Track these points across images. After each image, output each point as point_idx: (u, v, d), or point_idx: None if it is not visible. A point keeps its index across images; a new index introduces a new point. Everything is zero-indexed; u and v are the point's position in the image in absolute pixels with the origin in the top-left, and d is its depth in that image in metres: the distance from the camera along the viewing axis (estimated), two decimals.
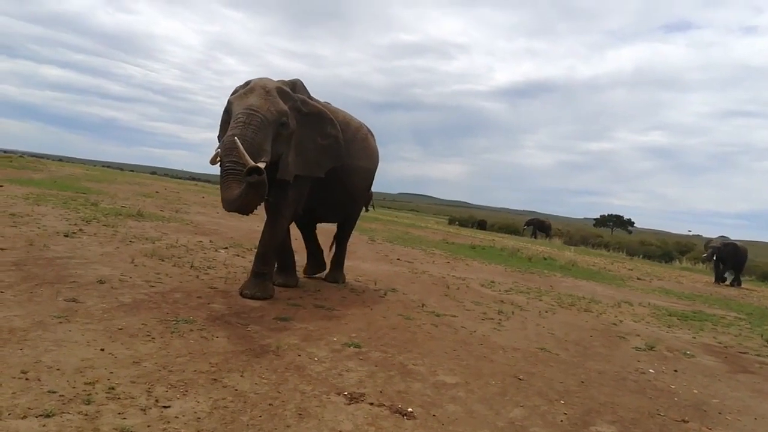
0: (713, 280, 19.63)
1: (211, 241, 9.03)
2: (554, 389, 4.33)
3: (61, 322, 3.97)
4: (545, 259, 17.32)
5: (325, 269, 7.79)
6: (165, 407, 2.92)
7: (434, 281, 9.12)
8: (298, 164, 5.93)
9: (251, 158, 4.89)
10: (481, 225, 42.88)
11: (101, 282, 5.28)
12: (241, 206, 4.99)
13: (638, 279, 16.08)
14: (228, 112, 5.60)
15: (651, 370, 5.41)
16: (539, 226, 39.57)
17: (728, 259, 19.61)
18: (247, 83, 5.76)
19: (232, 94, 5.76)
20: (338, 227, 7.88)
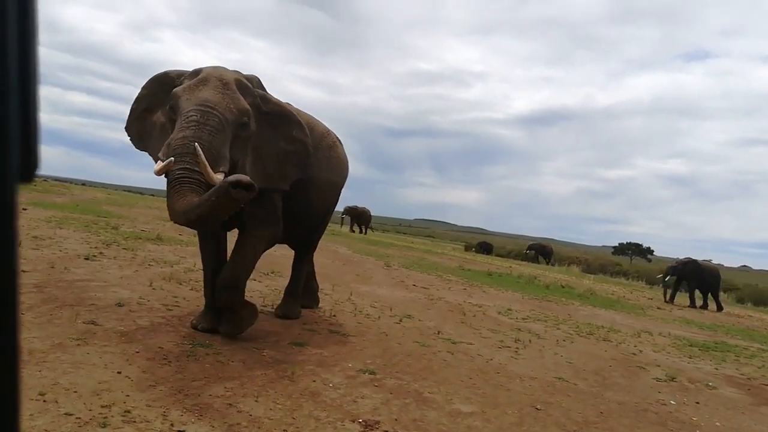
0: (667, 299, 18.30)
1: None
2: (572, 420, 4.25)
3: (79, 345, 4.01)
4: (563, 287, 17.11)
5: (317, 301, 7.03)
6: (180, 431, 2.92)
7: (450, 308, 9.06)
8: (256, 175, 4.77)
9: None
10: (486, 249, 42.40)
11: (120, 305, 5.33)
12: (199, 217, 3.99)
13: (658, 308, 15.79)
14: (173, 108, 4.45)
15: (672, 402, 5.28)
16: (541, 251, 39.91)
17: (690, 278, 18.29)
18: (197, 72, 4.67)
19: (170, 78, 4.86)
20: (296, 251, 6.74)
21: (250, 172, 4.72)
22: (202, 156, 4.00)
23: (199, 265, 8.55)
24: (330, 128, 6.61)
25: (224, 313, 4.96)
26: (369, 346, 5.52)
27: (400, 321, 7.12)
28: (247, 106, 4.61)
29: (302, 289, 6.60)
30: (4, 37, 0.53)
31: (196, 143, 4.03)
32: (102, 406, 3.05)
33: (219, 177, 4.11)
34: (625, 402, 5.05)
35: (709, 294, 18.53)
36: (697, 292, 18.32)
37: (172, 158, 4.11)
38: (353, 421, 3.47)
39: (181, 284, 6.94)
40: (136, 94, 5.06)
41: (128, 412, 3.03)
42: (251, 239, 5.12)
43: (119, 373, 3.60)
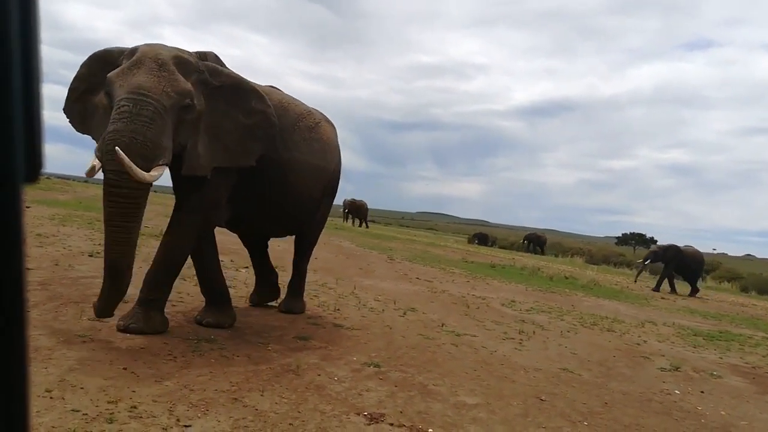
0: (654, 287, 17.98)
1: (232, 261, 9.09)
2: (577, 410, 4.26)
3: (85, 341, 4.03)
4: (567, 278, 17.10)
5: (278, 296, 6.56)
6: (186, 426, 2.94)
7: (454, 300, 9.07)
8: (216, 154, 4.59)
9: (143, 162, 3.87)
10: (482, 240, 42.98)
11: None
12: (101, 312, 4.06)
13: (662, 298, 15.78)
14: (108, 95, 4.10)
15: (677, 392, 5.29)
16: (536, 241, 41.24)
17: (670, 263, 18.00)
18: (133, 51, 4.25)
19: (111, 56, 4.46)
20: (294, 244, 6.54)
21: (207, 153, 4.52)
22: (126, 160, 3.72)
23: None
24: (323, 114, 6.31)
25: (134, 308, 4.67)
26: (373, 339, 5.53)
27: (404, 314, 7.13)
28: (188, 87, 4.24)
29: (297, 286, 6.41)
30: (7, 38, 0.53)
31: (117, 147, 3.72)
32: (108, 402, 3.06)
33: (156, 173, 3.97)
34: (630, 392, 5.05)
35: (696, 279, 18.43)
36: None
37: (101, 158, 3.90)
38: (358, 414, 3.48)
39: (185, 280, 6.94)
40: (75, 73, 4.66)
41: (135, 407, 3.05)
42: (178, 230, 4.76)
43: (125, 369, 3.62)
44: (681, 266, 18.17)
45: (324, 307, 6.70)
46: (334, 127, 6.39)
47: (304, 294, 6.54)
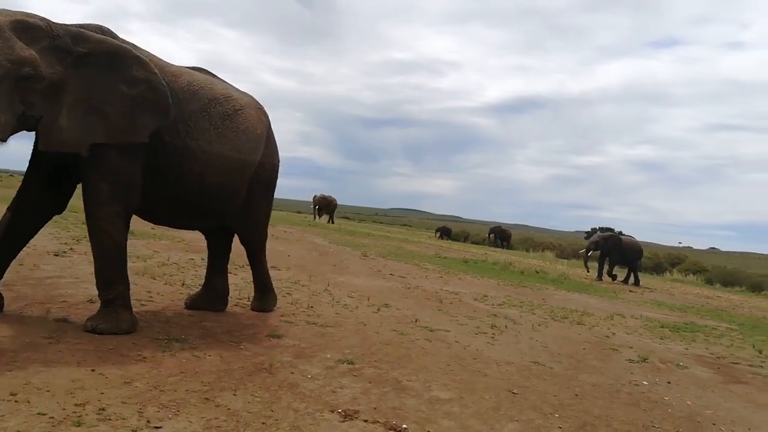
0: (595, 276, 18.43)
1: (203, 259, 8.94)
2: (548, 403, 4.33)
3: (51, 343, 3.93)
4: (537, 272, 17.35)
5: (219, 306, 5.84)
6: (156, 428, 2.89)
7: (427, 296, 9.11)
8: (94, 129, 4.23)
9: None
10: (446, 233, 44.00)
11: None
12: None
13: (630, 291, 16.13)
14: None
15: (644, 382, 5.41)
16: (500, 234, 42.39)
17: (611, 252, 18.33)
18: None
19: None
20: (241, 243, 6.04)
21: (77, 127, 4.16)
22: None
23: (173, 259, 8.45)
24: (253, 98, 5.79)
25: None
26: (347, 336, 5.53)
27: (378, 310, 7.14)
28: (26, 54, 3.80)
29: (270, 281, 6.21)
30: None
31: None
32: (76, 405, 2.99)
33: None
34: (599, 383, 5.15)
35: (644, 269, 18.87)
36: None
37: None
38: (332, 412, 3.48)
39: (154, 279, 6.85)
40: None
41: (103, 409, 2.99)
42: (100, 223, 4.44)
43: (93, 370, 3.54)
44: (621, 255, 18.49)
45: (297, 305, 6.66)
46: (264, 116, 5.79)
47: (276, 291, 6.49)
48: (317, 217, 33.51)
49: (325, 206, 34.04)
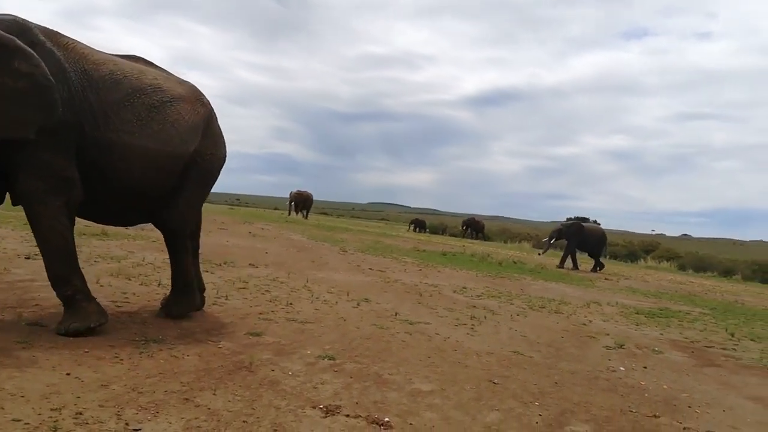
0: (558, 263, 18.53)
1: None
2: (528, 391, 4.38)
3: (24, 348, 3.84)
4: (515, 263, 17.52)
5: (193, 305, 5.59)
6: (135, 430, 2.85)
7: (407, 289, 9.14)
8: None
9: None
10: (420, 225, 44.56)
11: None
12: None
13: (606, 279, 16.38)
14: None
15: (621, 368, 5.51)
16: (474, 226, 43.18)
17: (572, 240, 18.46)
18: None
19: None
20: (163, 235, 5.62)
21: None
22: None
23: (148, 259, 8.33)
24: (193, 88, 5.47)
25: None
26: (327, 331, 5.51)
27: (358, 305, 7.14)
28: None
29: (193, 282, 5.54)
30: None
31: None
32: (52, 410, 2.93)
33: None
34: (578, 371, 5.23)
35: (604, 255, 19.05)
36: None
37: None
38: (314, 408, 3.47)
39: (129, 279, 6.74)
40: None
41: (80, 414, 2.93)
42: (43, 221, 4.33)
43: (68, 374, 3.47)
44: (583, 242, 18.65)
45: (276, 302, 6.62)
46: (203, 107, 5.42)
47: (255, 289, 6.43)
48: (293, 213, 33.37)
49: (301, 202, 33.94)
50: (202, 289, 5.84)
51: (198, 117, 5.30)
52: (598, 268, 18.55)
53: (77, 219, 4.87)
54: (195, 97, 5.39)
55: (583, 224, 18.97)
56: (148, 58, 5.38)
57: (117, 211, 5.16)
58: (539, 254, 19.25)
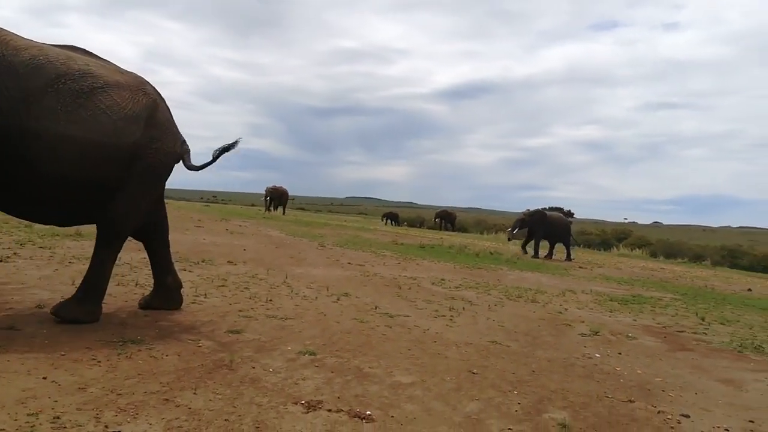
0: (524, 252, 18.82)
1: None
2: (507, 380, 4.45)
3: None
4: (492, 253, 17.70)
5: (175, 304, 5.66)
6: None
7: (386, 283, 9.18)
8: None
9: None
10: (394, 218, 45.57)
11: (40, 307, 5.06)
12: None
13: (580, 267, 16.65)
14: None
15: (597, 355, 5.63)
16: (446, 218, 44.17)
17: (537, 228, 18.61)
18: None
19: None
20: (97, 229, 5.20)
21: None
22: None
23: (124, 258, 8.22)
24: (136, 77, 5.12)
25: None
26: (307, 327, 5.52)
27: (338, 300, 7.15)
28: None
29: (99, 290, 4.99)
30: None
31: None
32: (29, 415, 2.90)
33: None
34: (555, 359, 5.33)
35: (572, 246, 19.27)
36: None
37: None
38: (296, 404, 3.48)
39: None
40: None
41: (58, 418, 2.90)
42: None
43: (45, 378, 3.43)
44: (547, 232, 18.88)
45: (256, 299, 6.60)
46: (146, 96, 5.02)
47: (233, 286, 6.38)
48: (269, 209, 33.17)
49: (277, 197, 33.79)
50: (179, 286, 5.79)
51: (138, 106, 4.91)
52: (553, 255, 18.87)
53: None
54: (136, 86, 5.00)
55: (546, 213, 19.15)
56: (88, 49, 5.06)
57: (51, 206, 4.74)
58: (509, 239, 19.67)
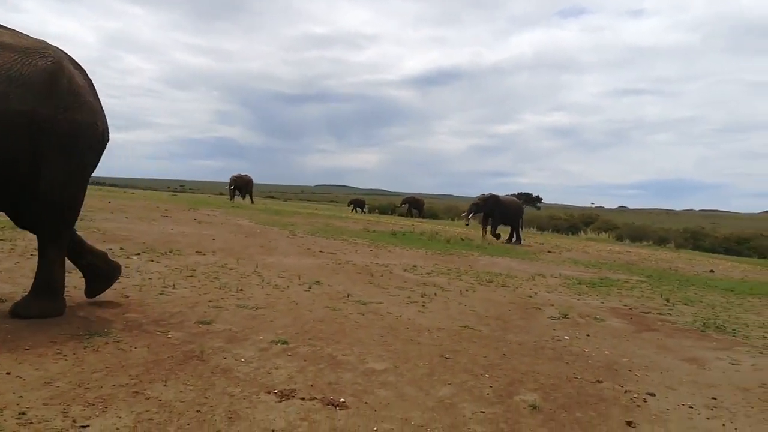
0: (497, 238, 19.01)
1: (122, 248, 8.59)
2: (479, 364, 4.50)
3: None
4: (463, 239, 17.85)
5: (111, 277, 5.38)
6: (83, 427, 2.77)
7: (358, 270, 9.17)
8: None
9: None
10: (359, 205, 45.07)
11: (2, 300, 4.91)
12: None
13: (549, 252, 16.92)
14: None
15: (566, 337, 5.73)
16: (414, 204, 43.59)
17: (491, 213, 19.00)
18: None
19: None
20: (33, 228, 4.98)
21: None
22: None
23: None
24: (43, 44, 4.60)
25: None
26: (279, 316, 5.48)
27: (310, 288, 7.12)
28: None
29: (53, 283, 4.73)
30: None
31: None
32: None
33: None
34: (525, 342, 5.41)
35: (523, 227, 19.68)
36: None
37: None
38: (268, 393, 3.46)
39: (70, 272, 6.44)
40: None
41: (23, 413, 2.83)
42: None
43: (8, 373, 3.33)
44: (501, 215, 19.22)
45: (226, 289, 6.52)
46: (45, 59, 4.44)
47: (203, 276, 6.29)
48: (234, 197, 32.74)
49: (242, 186, 33.36)
50: (104, 255, 5.39)
51: (34, 70, 4.34)
52: (513, 240, 19.15)
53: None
54: (33, 48, 4.45)
55: (499, 197, 19.42)
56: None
57: None
58: (466, 225, 19.93)
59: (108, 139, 5.14)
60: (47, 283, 4.70)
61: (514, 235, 19.46)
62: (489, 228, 19.23)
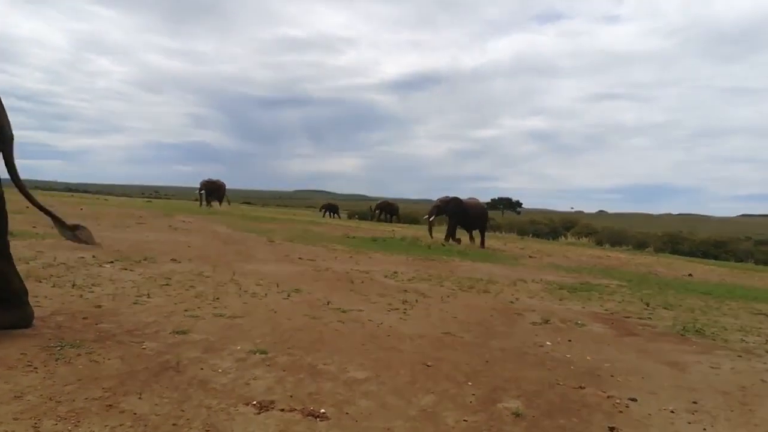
0: (452, 242, 19.06)
1: (94, 256, 8.39)
2: (461, 371, 4.46)
3: None
4: (443, 245, 17.85)
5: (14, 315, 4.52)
6: None
7: (338, 277, 9.09)
8: None
9: None
10: (332, 209, 44.54)
11: None
12: None
13: (530, 257, 17.00)
14: None
15: (548, 343, 5.72)
16: (388, 209, 42.73)
17: (453, 216, 19.17)
18: None
19: None
20: None
21: None
22: None
23: (60, 259, 7.83)
24: None
25: None
26: (258, 325, 5.38)
27: (288, 296, 7.02)
28: None
29: (15, 292, 4.53)
30: None
31: None
32: None
33: None
34: (507, 348, 5.38)
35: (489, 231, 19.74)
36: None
37: None
38: (247, 404, 3.37)
39: (40, 281, 6.30)
40: None
41: None
42: None
43: None
44: (463, 218, 19.27)
45: (202, 297, 6.39)
46: None
47: (178, 285, 6.15)
48: (204, 203, 31.73)
49: (214, 191, 32.09)
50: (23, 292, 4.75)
51: None
52: (473, 240, 19.16)
53: None
54: None
55: (462, 199, 19.45)
56: None
57: None
58: (431, 237, 19.79)
59: (12, 136, 4.77)
60: (8, 294, 4.49)
61: (479, 238, 19.45)
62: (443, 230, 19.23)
